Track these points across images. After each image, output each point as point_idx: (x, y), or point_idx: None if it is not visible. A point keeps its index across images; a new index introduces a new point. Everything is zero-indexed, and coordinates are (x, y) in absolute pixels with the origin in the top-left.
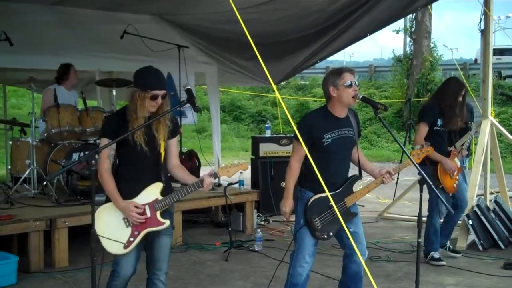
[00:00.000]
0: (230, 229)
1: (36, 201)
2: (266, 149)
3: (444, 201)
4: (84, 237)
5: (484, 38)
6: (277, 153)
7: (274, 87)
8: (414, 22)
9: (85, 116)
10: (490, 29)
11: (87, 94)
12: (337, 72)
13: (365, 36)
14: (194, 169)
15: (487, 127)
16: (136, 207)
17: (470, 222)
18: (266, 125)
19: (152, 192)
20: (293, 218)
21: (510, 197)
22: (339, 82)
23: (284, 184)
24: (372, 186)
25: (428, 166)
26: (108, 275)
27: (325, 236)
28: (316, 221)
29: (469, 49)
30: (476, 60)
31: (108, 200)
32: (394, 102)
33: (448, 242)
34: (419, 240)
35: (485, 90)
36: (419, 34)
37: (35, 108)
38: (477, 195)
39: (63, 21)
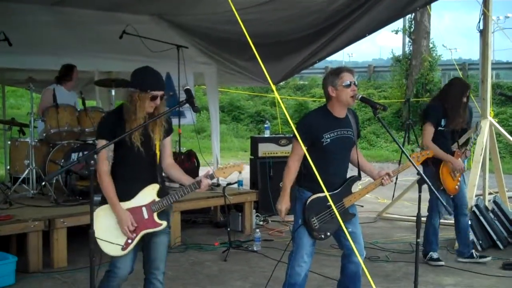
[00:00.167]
0: (229, 229)
1: (35, 201)
2: (265, 149)
3: (444, 202)
4: (83, 237)
5: (483, 38)
6: (276, 153)
7: (273, 87)
8: (413, 22)
9: (84, 116)
10: (489, 29)
11: (86, 94)
12: (336, 72)
13: (364, 36)
14: (193, 170)
15: (486, 127)
16: (132, 224)
17: (469, 222)
18: (265, 125)
19: (149, 194)
20: (290, 218)
21: (509, 197)
22: (337, 82)
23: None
24: (371, 188)
25: (430, 167)
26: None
27: (323, 236)
28: (314, 220)
29: (468, 50)
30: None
31: (103, 200)
32: (393, 102)
33: (473, 250)
34: (418, 240)
35: (484, 90)
36: (418, 34)
37: (34, 108)
38: (476, 195)
39: (62, 21)
